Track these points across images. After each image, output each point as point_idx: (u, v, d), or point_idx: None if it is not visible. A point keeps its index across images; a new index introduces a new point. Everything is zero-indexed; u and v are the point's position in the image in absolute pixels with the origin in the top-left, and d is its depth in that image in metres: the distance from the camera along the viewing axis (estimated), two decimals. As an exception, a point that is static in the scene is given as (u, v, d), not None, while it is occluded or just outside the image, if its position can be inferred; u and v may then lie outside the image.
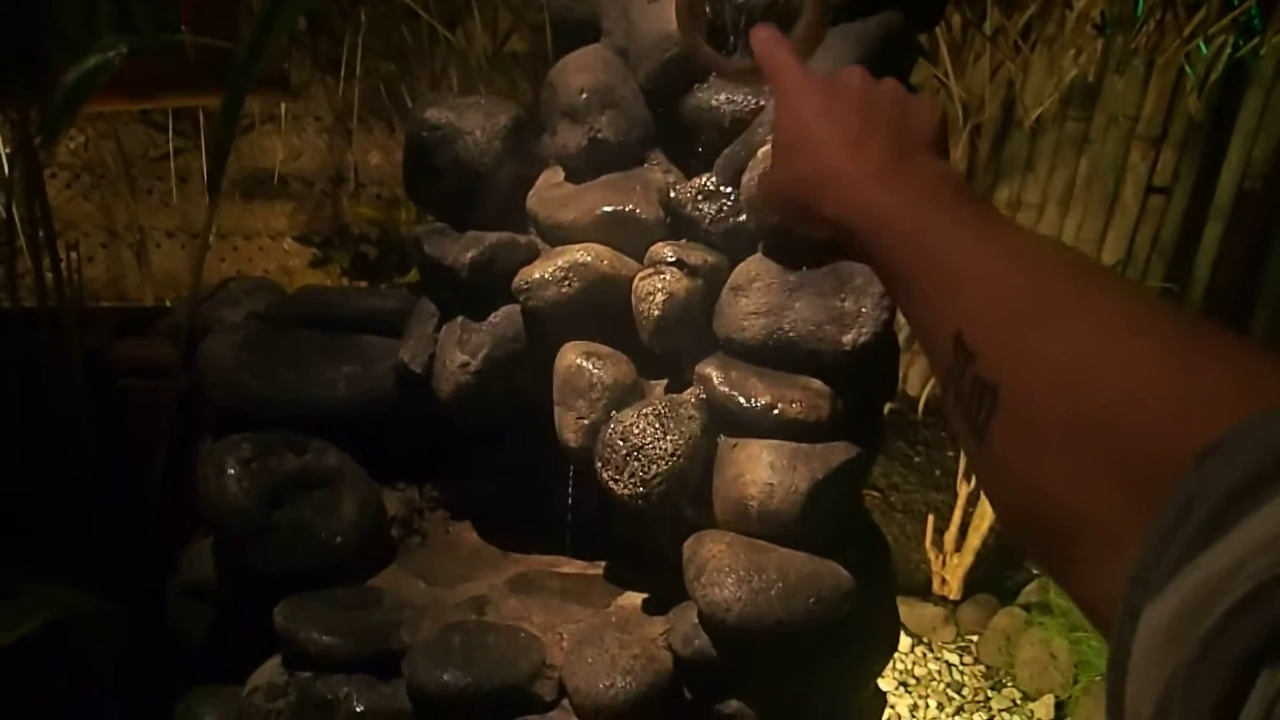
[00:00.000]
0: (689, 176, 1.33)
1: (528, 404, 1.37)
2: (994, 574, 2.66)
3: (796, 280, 1.23)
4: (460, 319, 1.39)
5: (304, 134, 2.65)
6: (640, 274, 1.28)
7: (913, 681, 2.43)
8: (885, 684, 2.35)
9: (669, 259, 1.26)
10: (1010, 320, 0.49)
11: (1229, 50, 2.54)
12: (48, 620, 1.24)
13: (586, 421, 1.28)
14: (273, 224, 2.77)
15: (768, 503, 1.20)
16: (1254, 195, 3.04)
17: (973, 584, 2.64)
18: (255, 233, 2.77)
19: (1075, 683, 2.31)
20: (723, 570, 1.17)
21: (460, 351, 1.37)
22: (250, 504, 1.31)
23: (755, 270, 1.25)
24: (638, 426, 1.22)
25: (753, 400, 1.21)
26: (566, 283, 1.29)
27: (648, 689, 1.18)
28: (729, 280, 1.28)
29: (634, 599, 1.37)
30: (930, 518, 2.65)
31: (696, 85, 1.32)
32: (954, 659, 2.51)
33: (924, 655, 2.52)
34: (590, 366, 1.28)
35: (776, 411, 1.20)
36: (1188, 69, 2.63)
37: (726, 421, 1.25)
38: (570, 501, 1.45)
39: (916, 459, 2.93)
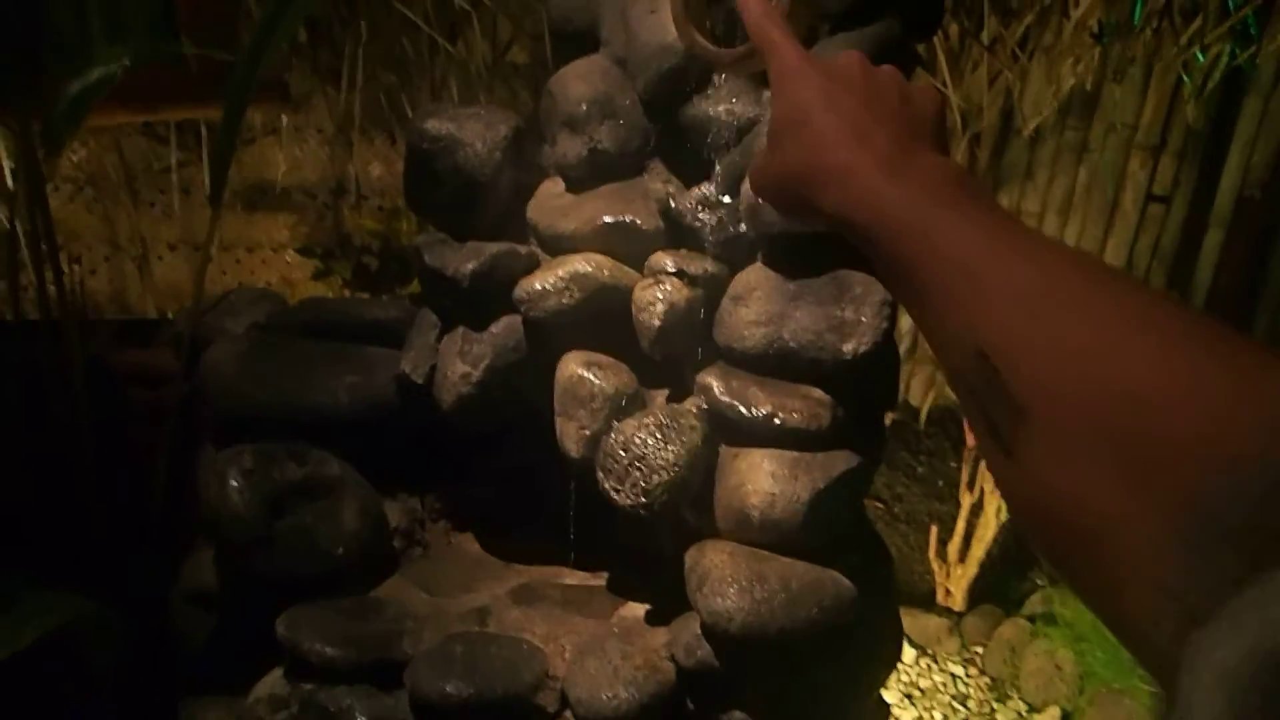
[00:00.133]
0: (688, 186, 1.33)
1: (529, 413, 1.37)
2: (998, 585, 2.65)
3: (797, 289, 1.23)
4: (461, 329, 1.39)
5: (305, 145, 2.65)
6: (640, 284, 1.28)
7: (917, 693, 2.42)
8: (890, 696, 2.34)
9: (669, 269, 1.26)
10: (1033, 330, 0.47)
11: (1226, 58, 2.54)
12: (49, 628, 1.24)
13: (588, 431, 1.28)
14: (275, 235, 2.77)
15: (769, 512, 1.20)
16: (1254, 202, 3.04)
17: (977, 595, 2.63)
18: (257, 244, 2.78)
19: (1081, 694, 2.30)
20: (725, 580, 1.17)
21: (462, 362, 1.37)
22: (252, 513, 1.31)
23: (755, 279, 1.25)
24: (639, 436, 1.22)
25: (754, 409, 1.21)
26: (567, 293, 1.29)
27: (650, 700, 1.18)
28: (729, 290, 1.28)
29: (636, 609, 1.37)
30: (934, 528, 2.64)
31: (696, 95, 1.32)
32: (959, 670, 2.50)
33: (928, 667, 2.51)
34: (591, 376, 1.28)
35: (777, 421, 1.20)
36: (1185, 77, 2.63)
37: (727, 431, 1.25)
38: (571, 512, 1.44)
39: (920, 469, 2.93)
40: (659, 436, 1.21)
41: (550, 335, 1.33)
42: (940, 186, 0.59)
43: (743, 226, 1.27)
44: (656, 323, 1.25)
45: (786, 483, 1.19)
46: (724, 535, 1.25)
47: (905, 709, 2.35)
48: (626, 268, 1.32)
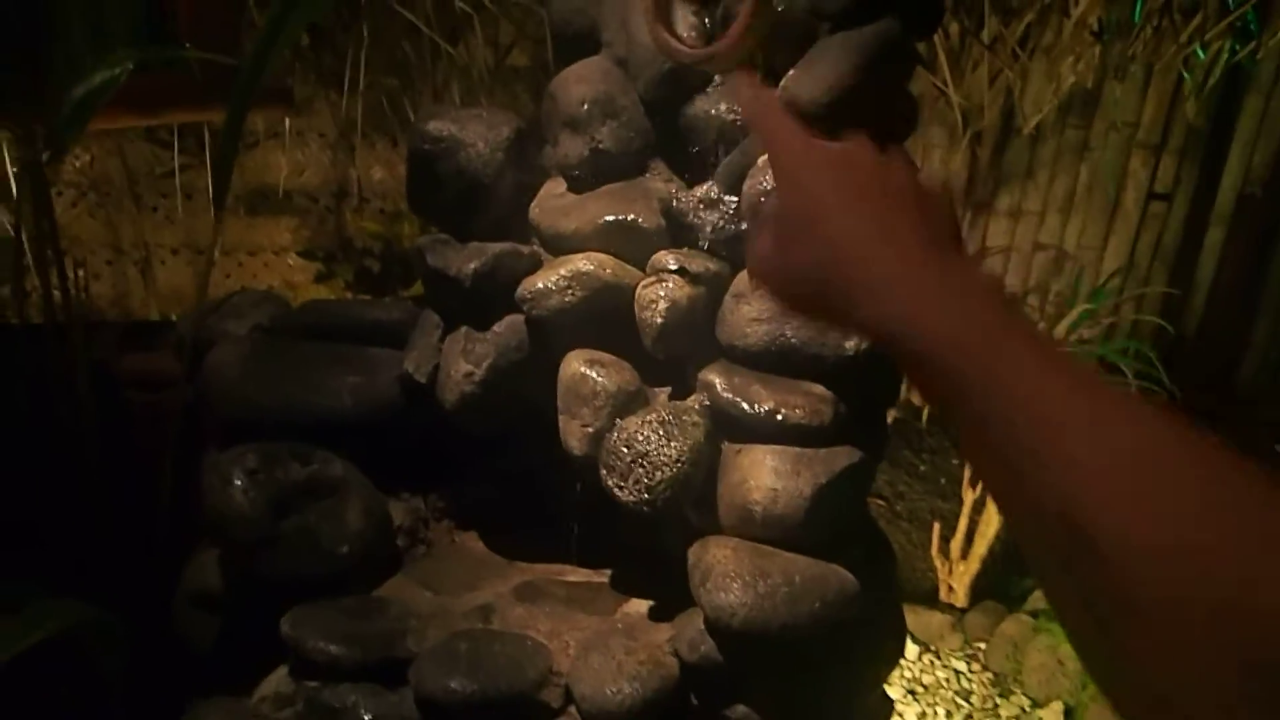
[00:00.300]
0: (690, 185, 1.34)
1: (531, 413, 1.37)
2: (1000, 581, 2.66)
3: (798, 286, 1.23)
4: (464, 329, 1.40)
5: (307, 149, 2.66)
6: (643, 282, 1.29)
7: (921, 689, 2.43)
8: (893, 692, 2.34)
9: (671, 267, 1.27)
10: (1141, 515, 0.42)
11: (1226, 55, 2.55)
12: (52, 632, 1.25)
13: (591, 429, 1.28)
14: (277, 239, 2.78)
15: (772, 507, 1.20)
16: (1255, 200, 3.05)
17: (979, 591, 2.63)
18: (260, 248, 2.79)
19: (1084, 688, 2.30)
20: (728, 575, 1.17)
21: (465, 361, 1.38)
22: (256, 514, 1.32)
23: (757, 277, 1.26)
24: (642, 433, 1.22)
25: (756, 406, 1.22)
26: (569, 291, 1.29)
27: (654, 695, 1.18)
28: (731, 287, 1.28)
29: (640, 606, 1.38)
30: (936, 526, 2.65)
31: (696, 95, 1.33)
32: (961, 666, 2.50)
33: (931, 663, 2.52)
34: (594, 374, 1.29)
35: (780, 417, 1.21)
36: (1185, 75, 2.64)
37: (730, 427, 1.25)
38: (575, 509, 1.45)
39: (922, 467, 2.93)
40: (662, 433, 1.22)
41: (553, 334, 1.34)
42: (987, 305, 0.54)
43: (743, 225, 1.27)
44: (659, 320, 1.25)
45: (789, 478, 1.20)
46: (727, 531, 1.25)
47: (909, 705, 2.35)
48: (629, 266, 1.32)
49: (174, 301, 2.74)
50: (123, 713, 1.43)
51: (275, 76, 2.07)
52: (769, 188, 1.20)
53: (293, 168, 2.63)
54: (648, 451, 1.21)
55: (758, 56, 1.21)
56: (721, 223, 1.29)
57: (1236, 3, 2.41)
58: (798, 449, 1.22)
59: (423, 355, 1.45)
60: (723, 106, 1.31)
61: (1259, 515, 0.41)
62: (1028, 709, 2.36)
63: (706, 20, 1.28)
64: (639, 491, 1.21)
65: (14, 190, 1.75)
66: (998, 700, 2.39)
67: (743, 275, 1.28)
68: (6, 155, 1.79)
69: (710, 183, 1.30)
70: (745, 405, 1.22)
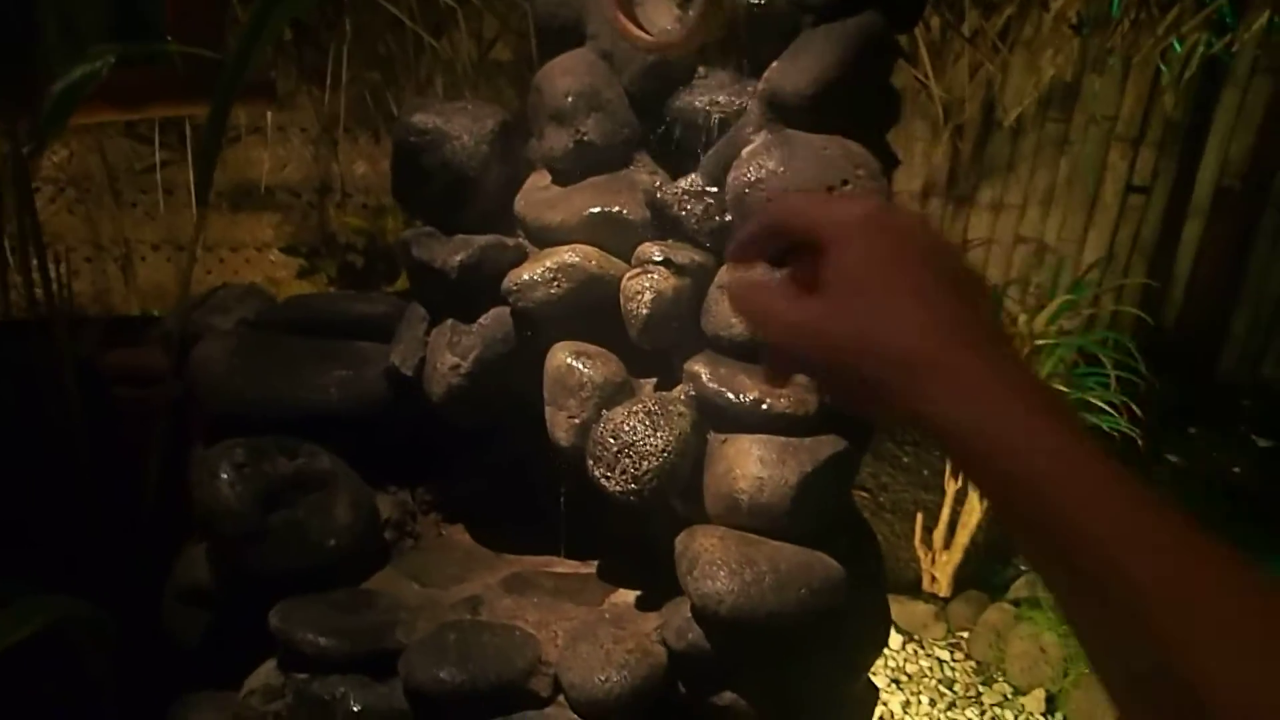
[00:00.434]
0: (674, 177, 1.35)
1: (518, 405, 1.38)
2: (983, 571, 2.68)
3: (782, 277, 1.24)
4: (450, 321, 1.40)
5: (289, 145, 2.66)
6: (628, 273, 1.29)
7: (904, 678, 2.45)
8: (877, 681, 2.36)
9: (656, 258, 1.28)
10: (1244, 660, 0.41)
11: (1203, 48, 2.58)
12: (38, 627, 1.25)
13: (577, 420, 1.29)
14: (259, 235, 2.78)
15: (758, 496, 1.21)
16: (1232, 193, 3.09)
17: (962, 581, 2.66)
18: (241, 244, 2.78)
19: (1065, 676, 2.33)
20: (715, 563, 1.18)
21: (451, 354, 1.38)
22: (244, 507, 1.32)
23: (742, 268, 1.27)
24: (628, 424, 1.23)
25: (741, 396, 1.23)
26: (555, 283, 1.30)
27: (643, 682, 1.19)
28: (716, 278, 1.29)
29: (627, 596, 1.38)
30: (919, 516, 2.67)
31: (681, 87, 1.34)
32: (945, 655, 2.53)
33: (915, 652, 2.54)
34: (580, 366, 1.30)
35: (765, 406, 1.22)
36: (1163, 67, 2.67)
37: (716, 417, 1.26)
38: (561, 500, 1.46)
39: (905, 459, 2.95)
40: (648, 424, 1.23)
41: (539, 326, 1.34)
42: (1057, 416, 0.51)
43: (728, 216, 1.28)
44: (645, 311, 1.26)
45: (774, 467, 1.21)
46: (713, 521, 1.26)
47: (892, 694, 2.37)
48: (614, 258, 1.33)
49: (155, 298, 2.73)
50: (111, 707, 1.43)
51: (258, 70, 2.06)
52: (753, 179, 1.21)
53: (275, 163, 2.63)
54: (634, 442, 1.22)
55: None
56: (706, 214, 1.30)
57: (1213, -4, 2.44)
58: (783, 438, 1.23)
59: (409, 348, 1.46)
60: (707, 99, 1.32)
61: None
62: (1010, 696, 2.39)
63: (691, 12, 1.29)
64: (626, 481, 1.22)
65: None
66: (981, 688, 2.42)
67: (728, 266, 1.29)
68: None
69: (695, 174, 1.31)
70: (731, 395, 1.23)
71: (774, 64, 1.25)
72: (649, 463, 1.21)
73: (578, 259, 1.30)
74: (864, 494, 2.80)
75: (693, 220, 1.30)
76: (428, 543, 1.55)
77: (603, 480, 1.24)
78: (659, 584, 1.31)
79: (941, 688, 2.42)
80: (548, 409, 1.32)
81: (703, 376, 1.26)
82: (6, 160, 1.51)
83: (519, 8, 2.27)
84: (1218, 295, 3.23)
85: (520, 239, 1.41)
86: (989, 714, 2.34)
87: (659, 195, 1.31)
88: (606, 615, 1.33)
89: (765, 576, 1.17)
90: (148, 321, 2.16)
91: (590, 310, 1.31)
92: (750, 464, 1.22)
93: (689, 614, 1.22)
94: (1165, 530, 0.46)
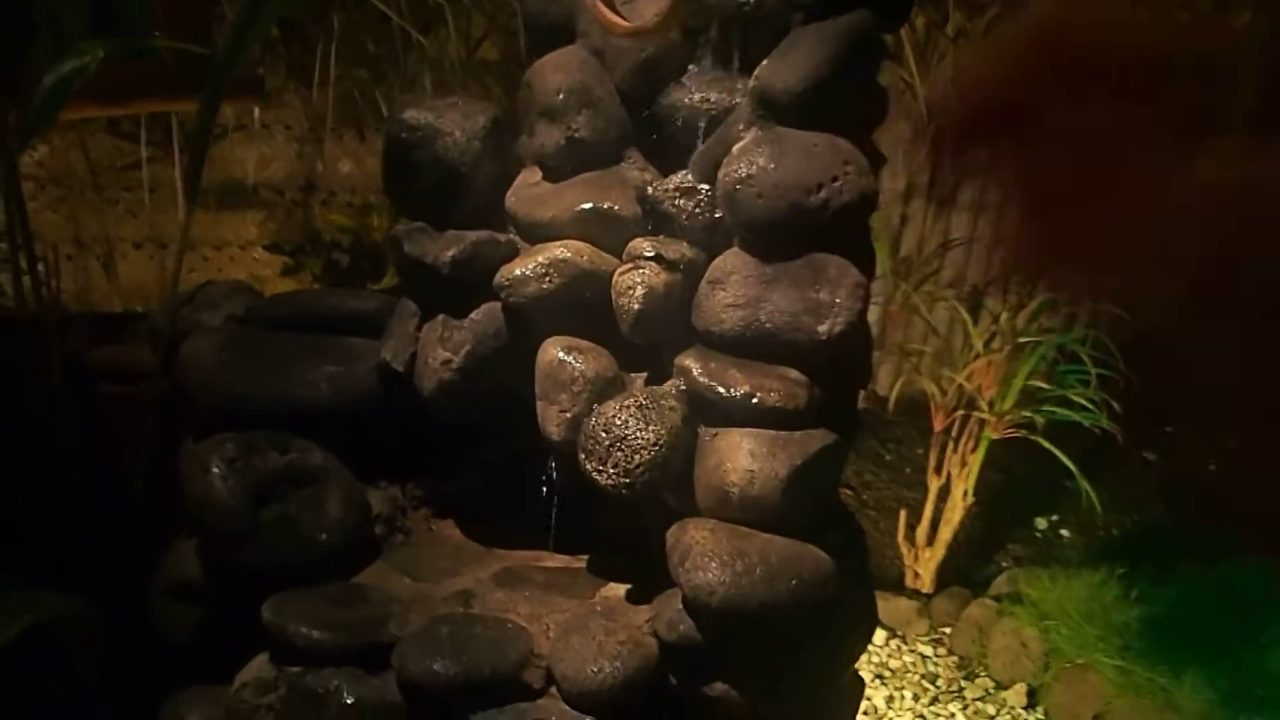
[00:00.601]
0: (665, 174, 1.36)
1: (510, 399, 1.39)
2: (965, 567, 2.71)
3: (773, 273, 1.26)
4: (442, 317, 1.41)
5: (274, 142, 2.65)
6: (620, 269, 1.31)
7: (888, 674, 2.47)
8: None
9: (648, 254, 1.29)
10: None
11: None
12: (28, 624, 1.25)
13: (569, 414, 1.30)
14: (243, 233, 2.77)
15: (748, 489, 1.23)
16: (1208, 194, 3.13)
17: (945, 577, 2.68)
18: (225, 242, 2.77)
19: (1046, 670, 2.36)
20: (706, 555, 1.20)
21: (443, 349, 1.39)
22: (236, 502, 1.32)
23: (732, 264, 1.28)
24: (620, 418, 1.24)
25: (732, 390, 1.24)
26: (547, 278, 1.31)
27: (635, 673, 1.20)
28: (706, 274, 1.30)
29: (618, 590, 1.40)
30: (902, 513, 2.69)
31: (672, 84, 1.35)
32: (928, 651, 2.55)
33: (898, 648, 2.56)
34: (572, 360, 1.31)
35: (755, 400, 1.23)
36: (1143, 69, 2.70)
37: (706, 411, 1.28)
38: (553, 494, 1.47)
39: (888, 456, 2.98)
40: (640, 418, 1.24)
41: (530, 321, 1.35)
42: None
43: (718, 212, 1.29)
44: (636, 307, 1.27)
45: (765, 460, 1.22)
46: (705, 514, 1.28)
47: (876, 689, 2.39)
48: (605, 254, 1.34)
49: (137, 296, 2.72)
50: (101, 704, 1.43)
51: (246, 67, 2.06)
52: (744, 175, 1.23)
53: (259, 161, 2.62)
54: (626, 435, 1.23)
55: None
56: (696, 210, 1.31)
57: (1191, -2, 2.47)
58: (773, 432, 1.25)
59: (400, 344, 1.46)
60: (697, 96, 1.33)
61: None
62: (992, 691, 2.41)
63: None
64: (618, 475, 1.23)
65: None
66: (963, 683, 2.44)
67: (718, 262, 1.30)
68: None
69: (685, 171, 1.33)
70: (721, 389, 1.25)
71: (764, 61, 1.26)
72: (641, 456, 1.22)
73: (570, 254, 1.32)
74: (847, 491, 2.83)
75: (683, 216, 1.31)
76: (418, 538, 1.55)
77: (595, 474, 1.25)
78: (649, 577, 1.32)
79: (924, 683, 2.44)
80: (539, 403, 1.33)
81: (694, 371, 1.27)
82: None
83: (507, 6, 2.28)
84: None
85: (512, 235, 1.42)
86: (971, 708, 2.36)
87: (650, 192, 1.32)
88: (598, 608, 1.34)
89: (756, 568, 1.19)
90: (134, 318, 2.15)
91: (582, 305, 1.33)
92: (741, 457, 1.23)
93: (680, 606, 1.23)
94: None
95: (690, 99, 1.33)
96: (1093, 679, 2.24)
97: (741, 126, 1.27)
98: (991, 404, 2.48)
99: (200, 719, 1.36)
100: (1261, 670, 2.17)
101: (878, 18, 1.26)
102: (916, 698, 2.39)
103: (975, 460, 2.54)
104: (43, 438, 1.53)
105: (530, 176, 1.46)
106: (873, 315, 2.55)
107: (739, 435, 1.25)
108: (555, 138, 1.40)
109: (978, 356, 2.49)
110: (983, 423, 2.50)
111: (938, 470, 2.61)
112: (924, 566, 2.67)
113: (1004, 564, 2.75)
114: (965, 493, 2.57)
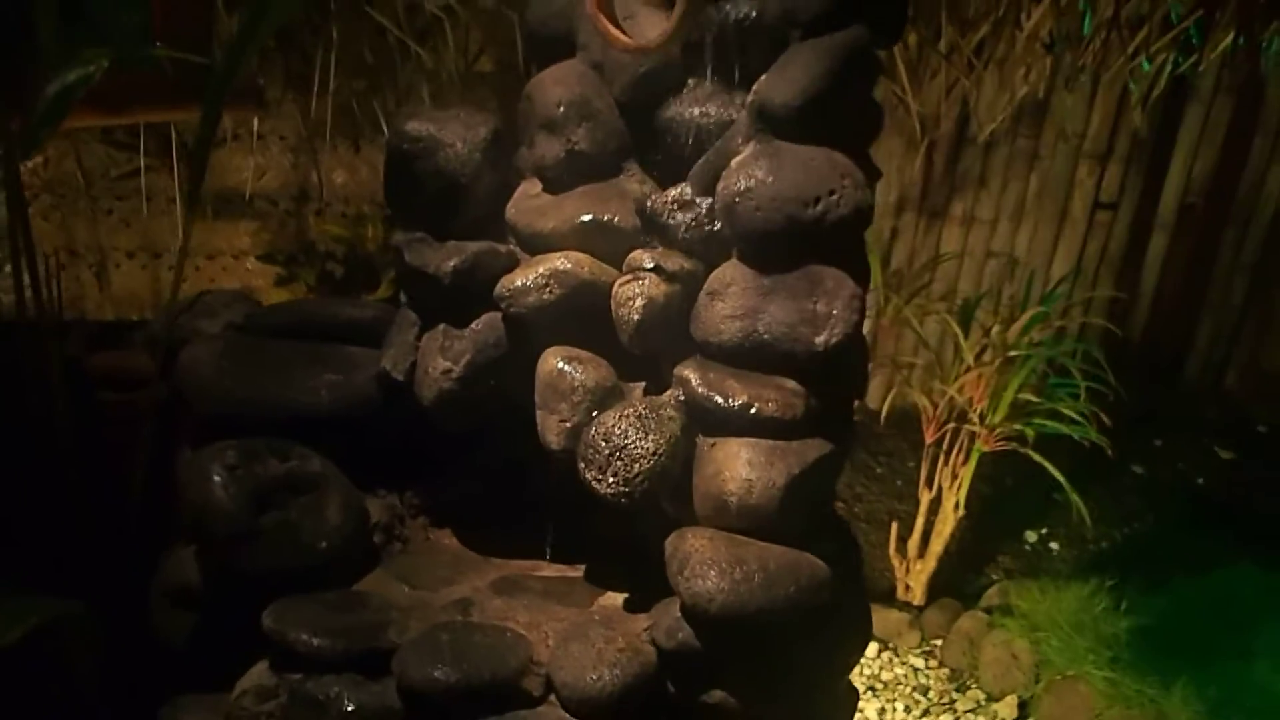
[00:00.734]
0: (664, 186, 1.38)
1: (508, 410, 1.40)
2: (956, 579, 2.72)
3: (770, 284, 1.27)
4: (442, 326, 1.42)
5: (268, 152, 2.66)
6: (620, 280, 1.32)
7: (880, 685, 2.48)
8: (853, 687, 2.39)
9: (647, 265, 1.30)
10: None
11: (1170, 67, 2.65)
12: (29, 628, 1.25)
13: (569, 424, 1.31)
14: (236, 243, 2.77)
15: (746, 498, 1.24)
16: (1195, 210, 3.17)
17: (936, 589, 2.69)
18: (218, 252, 2.77)
19: (1037, 682, 2.37)
20: (705, 563, 1.21)
21: (443, 358, 1.40)
22: (236, 508, 1.33)
23: (730, 276, 1.30)
24: (619, 427, 1.25)
25: (730, 400, 1.25)
26: (548, 289, 1.32)
27: (634, 681, 1.21)
28: (705, 285, 1.32)
29: (615, 598, 1.41)
30: (894, 526, 2.70)
31: (670, 97, 1.37)
32: (919, 663, 2.56)
33: (890, 660, 2.57)
34: (571, 370, 1.32)
35: (753, 410, 1.25)
36: (1131, 85, 2.73)
37: (705, 421, 1.29)
38: (551, 504, 1.47)
39: (879, 469, 3.00)
40: (639, 427, 1.25)
41: (531, 331, 1.36)
42: None
43: (717, 225, 1.31)
44: (636, 317, 1.28)
45: (763, 469, 1.24)
46: (703, 522, 1.29)
47: (868, 701, 2.40)
48: (605, 265, 1.35)
49: (130, 305, 2.71)
50: (100, 707, 1.43)
51: (244, 76, 2.07)
52: (742, 188, 1.24)
53: (254, 171, 2.62)
54: (625, 445, 1.24)
55: None
56: (695, 223, 1.32)
57: (1180, 17, 2.50)
58: (771, 441, 1.26)
59: (400, 353, 1.47)
60: (696, 110, 1.35)
61: None
62: (983, 703, 2.42)
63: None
64: (617, 484, 1.24)
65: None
66: (954, 695, 2.45)
67: (717, 274, 1.31)
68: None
69: (684, 184, 1.34)
70: (720, 399, 1.26)
71: (763, 76, 1.28)
72: (640, 465, 1.23)
73: (570, 265, 1.33)
74: (839, 504, 2.84)
75: (682, 229, 1.32)
76: (416, 546, 1.56)
77: (594, 483, 1.26)
78: (647, 586, 1.33)
79: (916, 695, 2.45)
80: (539, 413, 1.34)
81: (692, 381, 1.28)
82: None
83: (505, 19, 2.30)
84: (1182, 308, 3.31)
85: (512, 246, 1.43)
86: None
87: (649, 204, 1.34)
88: (596, 616, 1.35)
89: (754, 575, 1.20)
90: (131, 326, 2.15)
91: (582, 315, 1.34)
92: (739, 466, 1.25)
93: (679, 614, 1.24)
94: None
95: (690, 112, 1.35)
96: (1083, 690, 2.25)
97: (740, 140, 1.29)
98: (982, 417, 2.50)
99: (199, 726, 1.37)
100: (1251, 681, 2.19)
101: (873, 34, 1.27)
102: (908, 709, 2.40)
103: (966, 473, 2.56)
104: (42, 442, 1.53)
105: (530, 188, 1.47)
106: (865, 328, 2.58)
107: (737, 445, 1.26)
108: (555, 150, 1.41)
109: (968, 369, 2.51)
110: (973, 435, 2.52)
111: (928, 483, 2.63)
112: (915, 579, 2.69)
113: (995, 576, 2.77)
114: (956, 505, 2.58)
